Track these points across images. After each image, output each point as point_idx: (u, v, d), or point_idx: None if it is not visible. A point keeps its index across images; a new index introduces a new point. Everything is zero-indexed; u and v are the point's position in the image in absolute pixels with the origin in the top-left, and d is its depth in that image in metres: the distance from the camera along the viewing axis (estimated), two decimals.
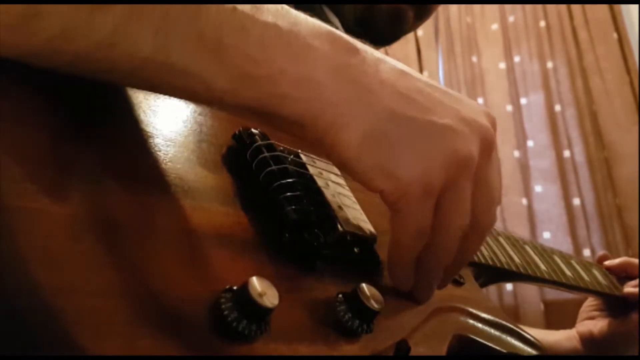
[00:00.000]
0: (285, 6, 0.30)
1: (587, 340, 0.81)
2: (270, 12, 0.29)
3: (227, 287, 0.26)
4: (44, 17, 0.23)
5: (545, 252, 0.72)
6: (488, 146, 0.34)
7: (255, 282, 0.26)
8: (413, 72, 0.34)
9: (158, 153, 0.31)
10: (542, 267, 0.67)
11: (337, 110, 0.30)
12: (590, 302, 0.84)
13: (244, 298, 0.25)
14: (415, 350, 0.34)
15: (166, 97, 0.35)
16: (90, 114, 0.30)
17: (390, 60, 0.33)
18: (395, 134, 0.31)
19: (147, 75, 0.27)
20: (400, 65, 0.33)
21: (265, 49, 0.28)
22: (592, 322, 0.82)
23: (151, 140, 0.31)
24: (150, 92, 0.34)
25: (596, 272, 0.79)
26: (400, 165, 0.30)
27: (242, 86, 0.28)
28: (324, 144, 0.31)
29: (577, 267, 0.75)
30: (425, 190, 0.31)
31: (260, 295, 0.25)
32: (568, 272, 0.71)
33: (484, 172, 0.34)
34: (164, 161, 0.31)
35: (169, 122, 0.34)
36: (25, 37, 0.23)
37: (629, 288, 0.79)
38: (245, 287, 0.25)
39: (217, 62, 0.27)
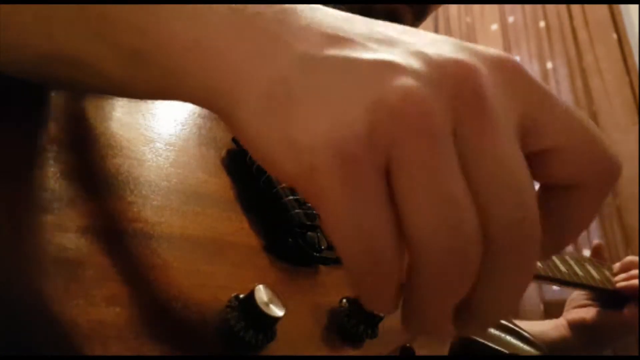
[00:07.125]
0: None
1: (578, 326, 0.81)
2: None
3: (233, 295, 0.26)
4: None
5: None
6: (474, 101, 0.19)
7: (262, 291, 0.25)
8: (387, 24, 0.23)
9: (159, 158, 0.31)
10: (537, 263, 0.67)
11: (233, 77, 0.21)
12: (580, 291, 0.85)
13: (250, 307, 0.25)
14: (417, 353, 0.34)
15: (164, 100, 0.35)
16: (89, 119, 0.29)
17: (350, 15, 0.23)
18: (300, 86, 0.20)
19: (50, 71, 0.24)
20: (370, 20, 0.23)
21: (151, 13, 0.22)
22: (583, 309, 0.82)
23: (151, 145, 0.31)
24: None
25: (589, 267, 0.79)
26: (299, 124, 0.19)
27: (134, 68, 0.23)
28: (231, 128, 0.22)
29: (571, 262, 0.76)
30: (340, 154, 0.18)
31: (267, 304, 0.25)
32: (562, 268, 0.72)
33: (473, 144, 0.19)
34: (165, 166, 0.31)
35: (168, 125, 0.34)
36: None
37: (622, 282, 0.80)
38: (251, 296, 0.25)
39: (105, 44, 0.22)
